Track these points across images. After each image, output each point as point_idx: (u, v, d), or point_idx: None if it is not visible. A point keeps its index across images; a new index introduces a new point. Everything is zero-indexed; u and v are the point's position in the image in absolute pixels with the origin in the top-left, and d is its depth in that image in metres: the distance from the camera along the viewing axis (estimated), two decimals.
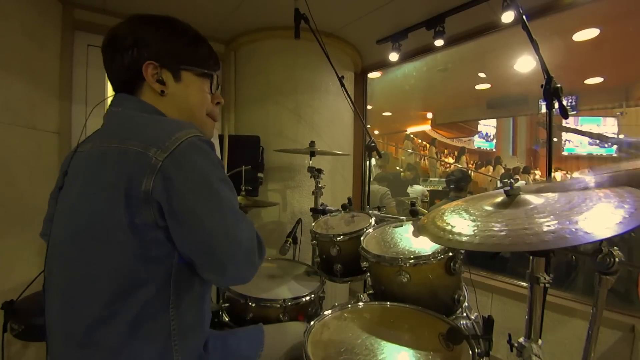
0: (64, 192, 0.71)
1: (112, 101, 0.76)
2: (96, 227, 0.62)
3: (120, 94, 0.76)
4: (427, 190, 4.98)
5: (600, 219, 0.56)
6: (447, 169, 7.38)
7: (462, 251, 1.04)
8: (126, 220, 0.61)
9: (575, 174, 0.76)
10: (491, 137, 9.12)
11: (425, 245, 1.07)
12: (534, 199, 0.70)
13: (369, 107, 3.42)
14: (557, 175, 5.21)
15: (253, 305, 1.12)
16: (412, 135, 8.14)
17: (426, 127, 8.49)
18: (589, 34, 3.06)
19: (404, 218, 1.34)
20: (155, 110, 0.74)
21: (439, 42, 2.17)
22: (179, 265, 0.66)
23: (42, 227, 0.84)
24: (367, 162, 2.65)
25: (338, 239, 1.29)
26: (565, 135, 7.16)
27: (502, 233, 0.61)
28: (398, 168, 6.29)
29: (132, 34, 0.73)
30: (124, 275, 0.62)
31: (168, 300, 0.66)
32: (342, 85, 1.72)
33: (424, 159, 7.69)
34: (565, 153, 7.24)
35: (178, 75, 0.76)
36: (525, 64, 4.34)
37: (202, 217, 0.63)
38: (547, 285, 0.70)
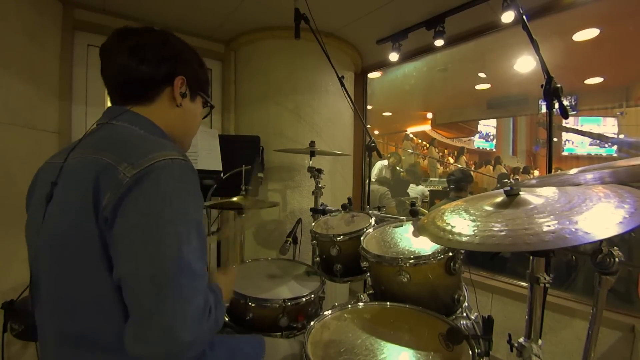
0: (49, 207, 0.68)
1: (106, 114, 0.76)
2: (74, 238, 0.61)
3: (113, 106, 0.77)
4: (427, 190, 4.97)
5: (600, 219, 0.56)
6: (447, 169, 7.38)
7: (462, 251, 1.04)
8: (99, 231, 0.59)
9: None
10: (491, 137, 9.12)
11: (425, 245, 1.07)
12: (534, 199, 0.70)
13: (369, 107, 3.43)
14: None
15: (253, 305, 1.12)
16: (411, 135, 8.14)
17: (426, 127, 8.49)
18: (589, 34, 3.06)
19: (404, 218, 1.34)
20: (150, 124, 0.75)
21: (439, 42, 2.17)
22: None
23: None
24: (369, 163, 2.65)
25: (338, 239, 1.29)
26: (565, 135, 7.16)
27: (502, 233, 0.61)
28: (398, 168, 6.29)
29: (174, 47, 0.79)
30: (104, 283, 0.60)
31: None
32: (342, 85, 1.72)
33: (424, 159, 7.69)
34: (565, 153, 7.24)
35: (195, 97, 0.85)
36: (525, 64, 4.34)
37: (139, 257, 0.55)
38: (547, 285, 0.70)
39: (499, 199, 0.75)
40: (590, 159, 6.87)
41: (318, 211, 1.79)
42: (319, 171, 1.92)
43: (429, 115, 8.27)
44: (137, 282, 0.55)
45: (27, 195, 0.79)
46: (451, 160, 8.24)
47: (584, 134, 6.83)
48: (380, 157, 1.70)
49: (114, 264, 0.58)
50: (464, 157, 7.71)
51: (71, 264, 0.62)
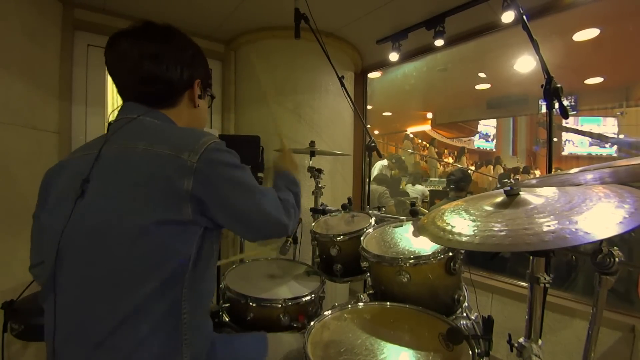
0: (85, 197, 0.69)
1: (123, 109, 0.80)
2: (121, 224, 0.65)
3: (131, 102, 0.79)
4: (427, 190, 4.98)
5: (600, 219, 0.56)
6: (447, 169, 7.38)
7: (462, 251, 1.04)
8: (158, 217, 0.65)
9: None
10: (491, 137, 9.12)
11: (425, 245, 1.06)
12: (534, 199, 0.70)
13: (369, 107, 3.43)
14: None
15: (253, 305, 1.12)
16: (411, 135, 8.14)
17: (426, 127, 8.49)
18: (589, 34, 3.06)
19: (404, 218, 1.34)
20: (170, 121, 0.82)
21: (439, 42, 2.17)
22: (195, 262, 0.70)
23: (31, 258, 0.81)
24: (369, 163, 2.67)
25: (338, 239, 1.29)
26: (565, 135, 7.16)
27: (502, 233, 0.61)
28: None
29: (192, 54, 0.85)
30: (144, 271, 0.65)
31: (180, 297, 0.69)
32: (342, 85, 1.72)
33: (424, 159, 7.69)
34: (565, 153, 7.25)
35: (204, 94, 0.92)
36: (525, 64, 4.34)
37: (238, 203, 0.75)
38: (547, 285, 0.70)
39: (499, 199, 0.75)
40: (590, 159, 6.87)
41: (318, 211, 1.79)
42: (319, 171, 1.92)
43: (429, 115, 8.27)
44: (252, 218, 0.77)
45: (41, 189, 0.79)
46: (451, 160, 8.24)
47: (584, 134, 6.83)
48: (380, 157, 1.70)
49: (222, 221, 0.75)
50: (465, 157, 7.71)
51: (113, 248, 0.65)
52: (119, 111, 0.80)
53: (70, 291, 0.67)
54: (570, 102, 5.74)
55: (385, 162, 5.04)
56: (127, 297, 0.64)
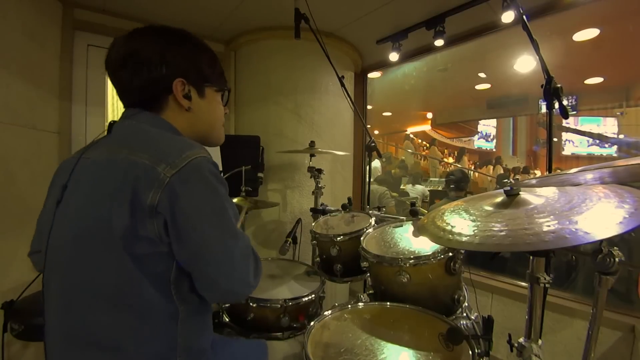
0: (65, 200, 0.69)
1: (124, 114, 0.77)
2: (100, 233, 0.62)
3: (134, 108, 0.75)
4: (427, 190, 4.98)
5: (600, 219, 0.56)
6: (447, 169, 7.37)
7: (462, 251, 1.04)
8: (130, 230, 0.61)
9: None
10: (491, 137, 9.12)
11: (425, 245, 1.07)
12: (534, 199, 0.70)
13: (369, 107, 3.42)
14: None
15: (253, 305, 1.12)
16: (411, 136, 8.14)
17: (426, 127, 8.49)
18: (589, 34, 3.06)
19: (404, 218, 1.34)
20: (169, 126, 0.75)
21: (439, 42, 2.17)
22: (177, 277, 0.67)
23: (32, 244, 0.81)
24: (369, 163, 2.67)
25: (338, 239, 1.29)
26: (565, 135, 7.17)
27: (502, 233, 0.61)
28: (393, 172, 6.32)
29: (160, 50, 0.74)
30: (124, 281, 0.63)
31: (170, 307, 0.67)
32: (342, 85, 1.72)
33: (424, 159, 7.69)
34: (565, 153, 7.25)
35: (203, 91, 0.80)
36: (525, 64, 4.34)
37: (202, 237, 0.65)
38: (547, 285, 0.70)
39: (499, 199, 0.75)
40: (590, 159, 6.87)
41: (318, 211, 1.79)
42: (319, 171, 1.92)
43: (429, 115, 8.27)
44: (214, 261, 0.66)
45: (51, 183, 0.79)
46: (451, 160, 8.24)
47: (584, 134, 6.84)
48: (380, 157, 1.70)
49: (177, 251, 0.65)
50: (466, 157, 7.70)
51: (94, 257, 0.63)
52: (122, 114, 0.77)
53: (58, 293, 0.67)
54: (570, 102, 5.74)
55: (377, 162, 5.04)
56: (110, 305, 0.63)
